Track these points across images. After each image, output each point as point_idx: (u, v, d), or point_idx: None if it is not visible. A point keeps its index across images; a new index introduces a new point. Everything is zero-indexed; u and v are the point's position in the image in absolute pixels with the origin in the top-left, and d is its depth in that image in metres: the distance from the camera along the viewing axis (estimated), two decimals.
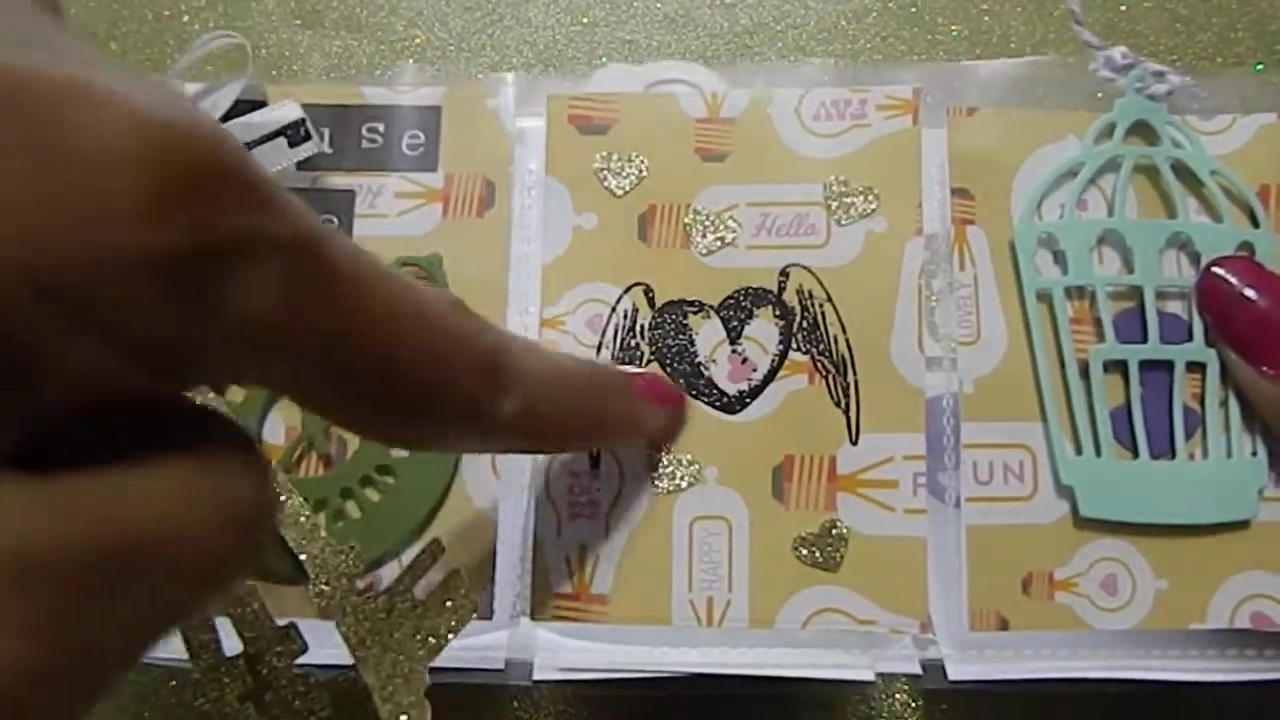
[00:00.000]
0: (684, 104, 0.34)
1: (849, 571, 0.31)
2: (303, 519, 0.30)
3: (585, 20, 0.40)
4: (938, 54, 0.39)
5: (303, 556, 0.29)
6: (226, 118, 0.33)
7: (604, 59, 0.40)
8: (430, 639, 0.27)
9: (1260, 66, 0.39)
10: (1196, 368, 0.32)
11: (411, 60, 0.39)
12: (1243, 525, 0.31)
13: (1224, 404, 0.32)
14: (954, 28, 0.37)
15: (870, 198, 0.33)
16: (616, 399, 0.28)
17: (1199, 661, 0.31)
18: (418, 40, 0.39)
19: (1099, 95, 0.34)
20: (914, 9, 0.39)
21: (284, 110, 0.32)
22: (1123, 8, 0.36)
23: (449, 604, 0.27)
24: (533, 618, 0.31)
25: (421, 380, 0.20)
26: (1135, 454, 0.31)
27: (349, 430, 0.23)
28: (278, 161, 0.32)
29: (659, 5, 0.40)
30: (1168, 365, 0.32)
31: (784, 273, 0.32)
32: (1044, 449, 0.31)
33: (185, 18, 0.39)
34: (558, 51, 0.40)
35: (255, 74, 0.34)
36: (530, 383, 0.23)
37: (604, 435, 0.30)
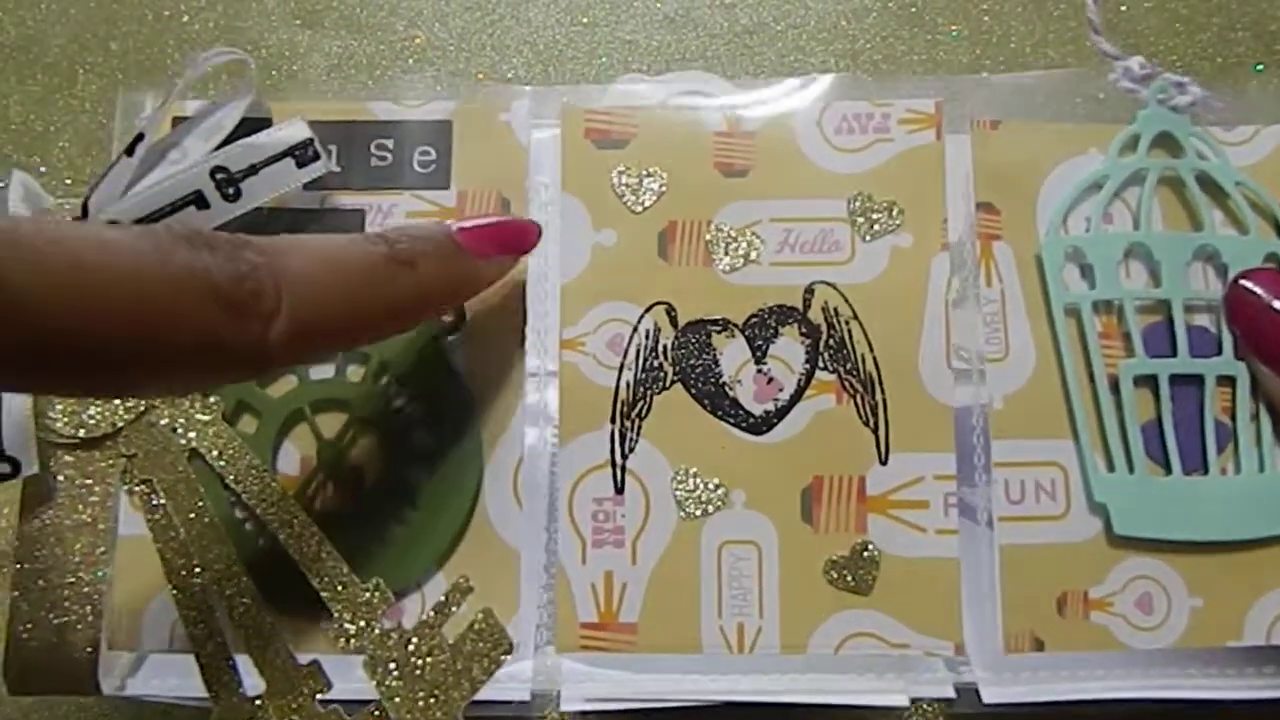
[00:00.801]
0: (703, 117, 0.33)
1: (881, 594, 0.30)
2: (325, 556, 0.29)
3: (585, 20, 0.39)
4: (938, 54, 0.38)
5: (326, 595, 0.28)
6: (232, 137, 0.32)
7: (604, 58, 0.39)
8: (463, 682, 0.26)
9: (1260, 67, 0.39)
10: (1227, 381, 0.32)
11: (412, 60, 0.38)
12: (1277, 540, 0.31)
13: (1255, 417, 0.31)
14: (954, 27, 0.37)
15: (895, 213, 0.32)
16: (433, 266, 0.26)
17: (1237, 680, 0.30)
18: (418, 40, 0.38)
19: (1105, 101, 0.34)
20: (914, 9, 0.39)
21: (291, 130, 0.31)
22: (1123, 8, 0.36)
23: (481, 645, 0.26)
24: (558, 648, 0.30)
25: (130, 344, 0.19)
26: (1168, 470, 0.31)
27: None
28: (285, 183, 0.31)
29: (659, 5, 0.39)
30: (1198, 379, 0.31)
31: (809, 290, 0.32)
32: (1076, 466, 0.31)
33: (185, 18, 0.38)
34: (558, 51, 0.39)
35: (258, 88, 0.32)
36: (300, 294, 0.22)
37: (427, 309, 0.27)
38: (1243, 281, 0.32)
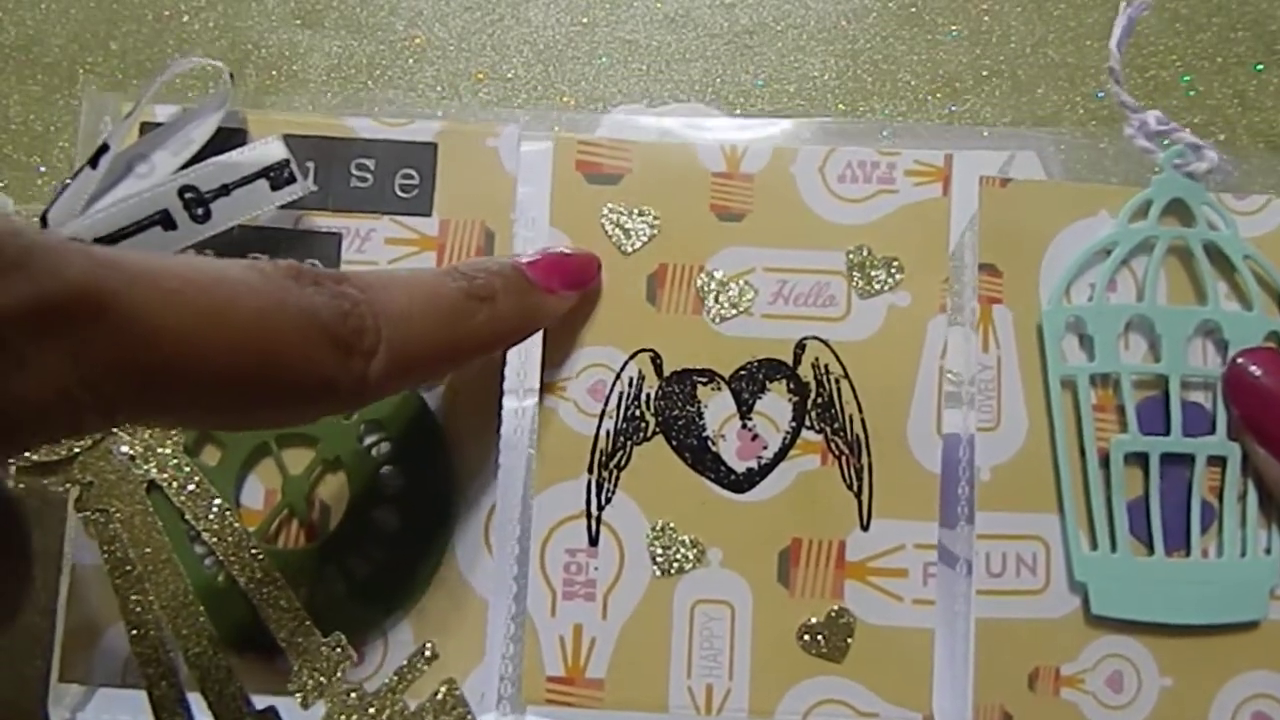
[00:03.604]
0: (701, 155, 0.31)
1: (854, 662, 0.30)
2: (284, 603, 0.28)
3: (585, 20, 0.38)
4: (938, 54, 0.37)
5: (284, 645, 0.28)
6: (205, 151, 0.30)
7: (604, 59, 0.38)
8: None
9: (1260, 66, 0.39)
10: (1217, 461, 0.31)
11: (412, 60, 0.36)
12: (1252, 625, 0.31)
13: (1242, 498, 0.31)
14: (954, 27, 0.36)
15: (894, 270, 0.31)
16: (508, 301, 0.26)
17: None
18: (418, 40, 0.37)
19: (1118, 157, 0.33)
20: (914, 9, 0.38)
21: (267, 149, 0.29)
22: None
23: (442, 719, 0.25)
24: (524, 701, 0.30)
25: (252, 380, 0.20)
26: (1150, 549, 0.31)
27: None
28: (259, 205, 0.29)
29: (659, 5, 0.38)
30: (1189, 458, 0.31)
31: (800, 345, 0.31)
32: (1059, 542, 0.30)
33: (185, 18, 0.37)
34: (558, 51, 0.38)
35: (239, 96, 0.31)
36: (396, 331, 0.22)
37: (501, 344, 0.28)
38: (1241, 360, 0.31)
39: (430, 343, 0.24)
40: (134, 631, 0.28)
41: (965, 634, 0.30)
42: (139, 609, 0.28)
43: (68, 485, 0.29)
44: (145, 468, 0.29)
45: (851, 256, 0.31)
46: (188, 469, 0.29)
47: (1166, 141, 0.32)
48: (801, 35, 0.38)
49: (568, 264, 0.29)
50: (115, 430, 0.29)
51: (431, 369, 0.26)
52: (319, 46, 0.37)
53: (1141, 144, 0.32)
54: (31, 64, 0.37)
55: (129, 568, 0.29)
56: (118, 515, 0.29)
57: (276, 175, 0.29)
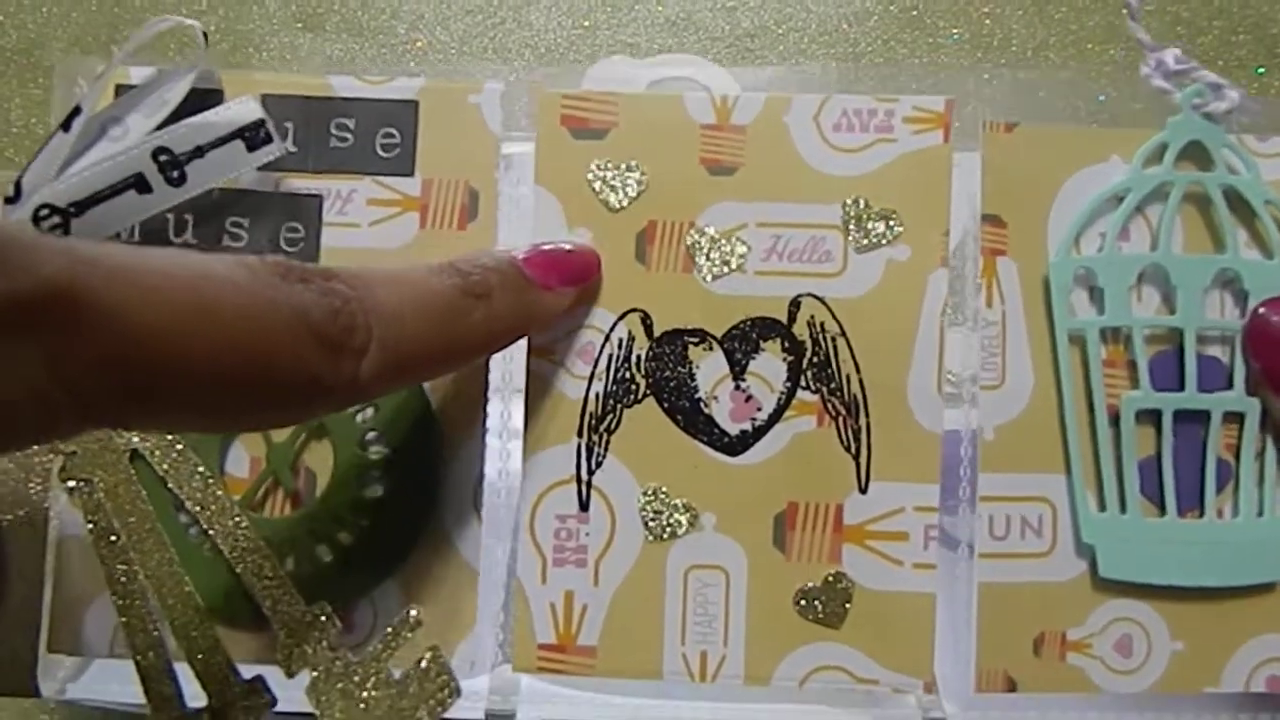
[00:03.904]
0: (690, 107, 0.30)
1: (852, 628, 0.29)
2: (269, 573, 0.28)
3: (587, 24, 0.38)
4: (939, 57, 0.37)
5: (270, 614, 0.27)
6: (180, 113, 0.29)
7: None
8: None
9: (1262, 70, 0.38)
10: (1234, 418, 0.30)
11: (413, 64, 0.37)
12: (1268, 587, 0.29)
13: (1260, 455, 0.30)
14: (955, 30, 0.36)
15: (893, 222, 0.30)
16: (505, 298, 0.25)
17: None
18: (419, 44, 0.37)
19: (1134, 102, 0.32)
20: (915, 12, 0.38)
21: (242, 109, 0.28)
22: (1123, 10, 0.35)
23: (427, 686, 0.25)
24: (514, 668, 0.29)
25: (240, 381, 0.19)
26: (1162, 510, 0.29)
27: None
28: (235, 167, 0.29)
29: (660, 8, 0.38)
30: (1204, 415, 0.29)
31: (795, 303, 0.30)
32: (1066, 503, 0.29)
33: (187, 21, 0.36)
34: (559, 55, 0.38)
35: (209, 59, 0.30)
36: (388, 330, 0.22)
37: (497, 343, 0.27)
38: (1263, 311, 0.29)
39: (424, 342, 0.23)
40: (120, 601, 0.28)
41: (967, 599, 0.29)
42: (124, 579, 0.28)
43: (51, 455, 0.29)
44: (127, 436, 0.29)
45: (848, 209, 0.30)
46: (170, 437, 0.29)
47: (1186, 84, 0.30)
48: (803, 39, 0.38)
49: (567, 260, 0.28)
50: None
51: (426, 368, 0.25)
52: (320, 50, 0.37)
53: (1158, 84, 0.30)
54: (33, 67, 0.37)
55: (114, 537, 0.28)
56: (101, 485, 0.29)
57: (252, 136, 0.29)
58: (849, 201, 0.30)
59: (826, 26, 0.37)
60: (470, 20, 0.36)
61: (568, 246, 0.29)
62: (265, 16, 0.38)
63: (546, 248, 0.28)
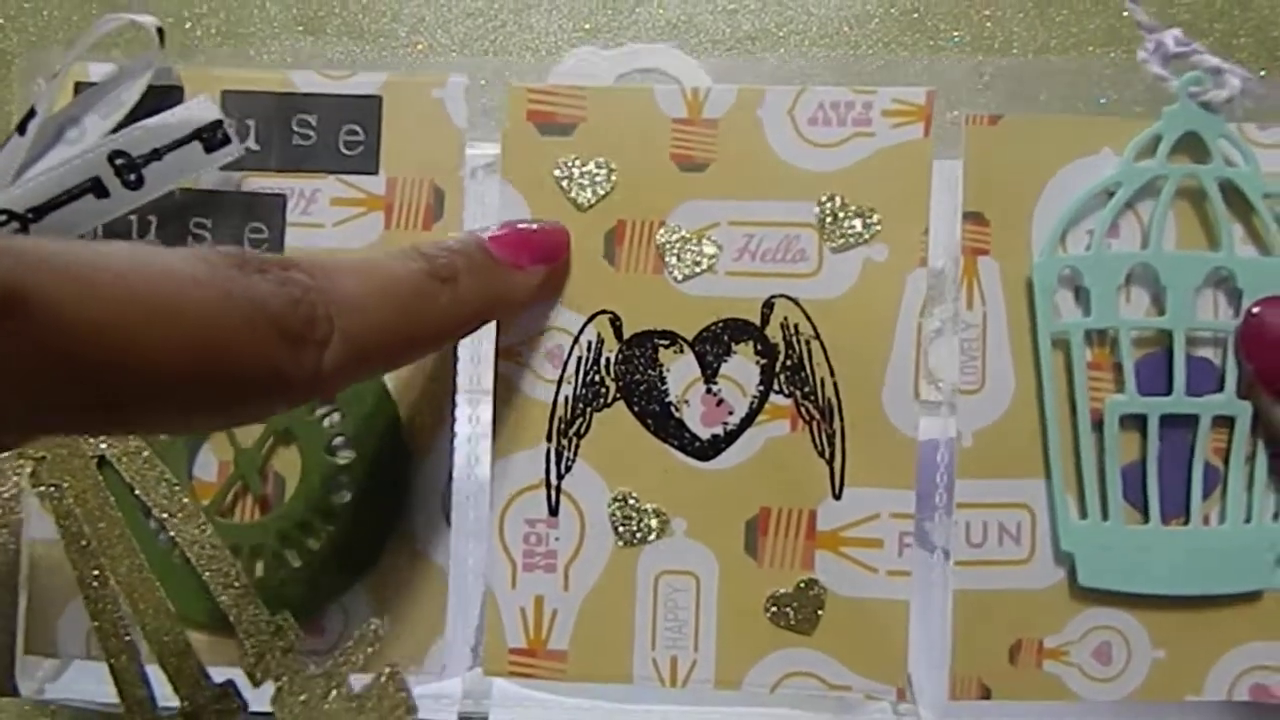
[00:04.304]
0: (660, 100, 0.29)
1: (824, 634, 0.29)
2: (235, 582, 0.28)
3: (588, 26, 0.38)
4: (940, 61, 0.36)
5: (235, 624, 0.27)
6: (139, 111, 0.28)
7: None
8: None
9: (1263, 73, 0.37)
10: (1224, 421, 0.29)
11: (415, 66, 0.36)
12: (1254, 596, 0.29)
13: (1250, 460, 0.29)
14: (955, 33, 0.35)
15: (870, 220, 0.29)
16: (472, 281, 0.25)
17: None
18: (420, 47, 0.37)
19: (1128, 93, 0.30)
20: (916, 14, 0.38)
21: (199, 109, 0.28)
22: (1124, 14, 0.34)
23: (385, 704, 0.25)
24: (485, 673, 0.29)
25: (197, 377, 0.18)
26: (1145, 517, 0.29)
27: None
28: (193, 169, 0.28)
29: (661, 11, 0.38)
30: (1191, 419, 0.28)
31: (768, 304, 0.29)
32: (1045, 509, 0.29)
33: (188, 24, 0.37)
34: (561, 58, 0.37)
35: (168, 57, 0.29)
36: (350, 319, 0.21)
37: (467, 327, 0.26)
38: (1258, 311, 0.28)
39: (389, 329, 0.22)
40: (92, 606, 0.28)
41: (943, 605, 0.29)
42: (96, 583, 0.28)
43: (21, 462, 0.29)
44: (94, 442, 0.29)
45: (824, 207, 0.29)
46: (135, 443, 0.28)
47: (1185, 69, 0.29)
48: (804, 41, 0.38)
49: (535, 238, 0.27)
50: None
51: (391, 357, 0.24)
52: (321, 53, 0.37)
53: (1155, 70, 0.29)
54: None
55: (84, 543, 0.29)
56: (70, 491, 0.29)
57: (210, 137, 0.28)
58: (825, 199, 0.29)
59: (827, 29, 0.37)
60: (471, 23, 0.36)
61: (535, 225, 0.28)
62: (266, 20, 0.38)
63: (516, 226, 0.27)
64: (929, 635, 0.29)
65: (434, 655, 0.29)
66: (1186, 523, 0.29)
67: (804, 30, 0.37)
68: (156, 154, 0.28)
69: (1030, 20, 0.36)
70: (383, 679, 0.25)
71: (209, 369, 0.19)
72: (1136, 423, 0.29)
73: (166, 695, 0.28)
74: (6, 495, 0.29)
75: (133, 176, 0.28)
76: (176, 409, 0.19)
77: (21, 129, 0.28)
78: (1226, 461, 0.29)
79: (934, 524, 0.29)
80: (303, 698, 0.26)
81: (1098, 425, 0.28)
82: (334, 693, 0.26)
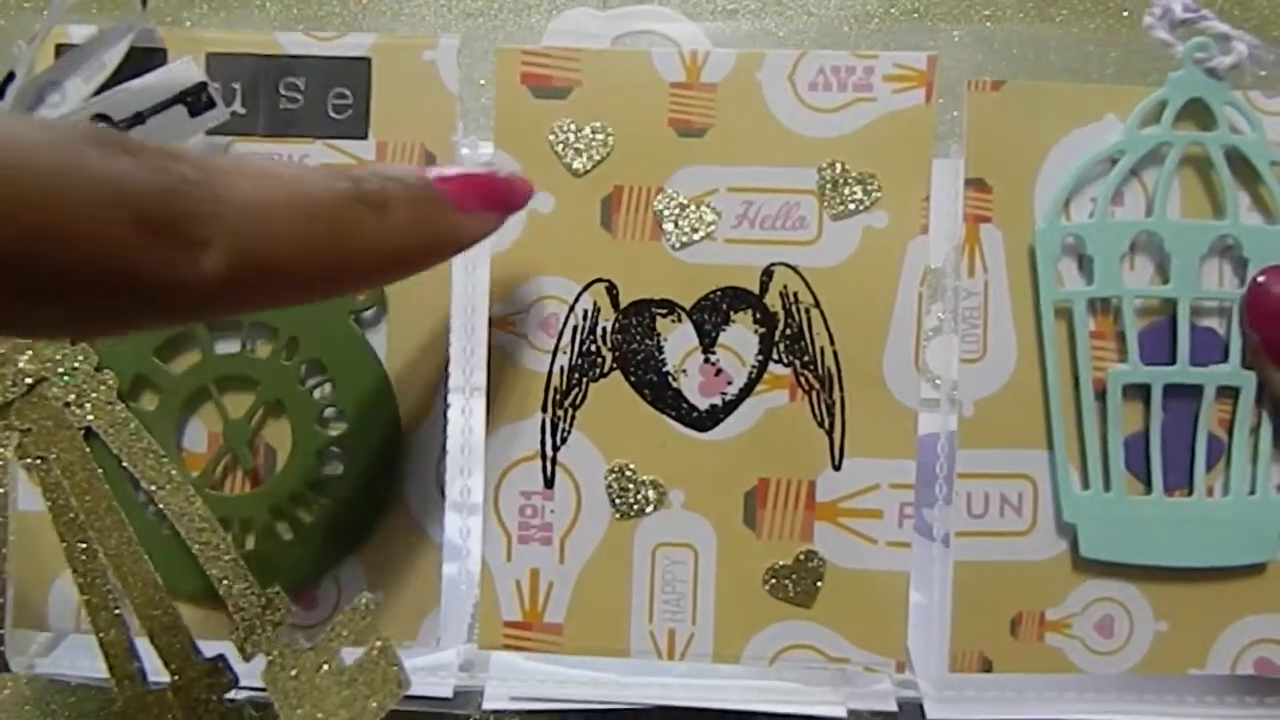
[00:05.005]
0: (658, 64, 0.28)
1: (823, 606, 0.28)
2: (225, 555, 0.27)
3: None
4: (941, 60, 0.36)
5: (225, 597, 0.27)
6: (120, 75, 0.28)
7: None
8: (360, 711, 0.25)
9: (1263, 72, 0.36)
10: (1228, 392, 0.28)
11: None
12: (1258, 568, 0.28)
13: (1254, 431, 0.28)
14: (956, 33, 0.34)
15: (871, 187, 0.28)
16: (407, 213, 0.21)
17: (1196, 708, 0.29)
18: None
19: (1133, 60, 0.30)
20: (916, 15, 0.38)
21: (182, 71, 0.27)
22: (1124, 14, 0.33)
23: (375, 677, 0.25)
24: (480, 646, 0.29)
25: (24, 260, 0.15)
26: (1148, 488, 0.28)
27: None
28: (178, 133, 0.27)
29: (661, 10, 0.36)
30: (1195, 390, 0.28)
31: (767, 272, 0.28)
32: (1047, 480, 0.28)
33: (189, 24, 0.36)
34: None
35: (150, 18, 0.28)
36: (245, 223, 0.17)
37: (399, 266, 0.22)
38: (1263, 279, 0.28)
39: (295, 247, 0.19)
40: (81, 579, 0.28)
41: (943, 578, 0.28)
42: (84, 557, 0.28)
43: (6, 434, 0.28)
44: (79, 413, 0.28)
45: (824, 173, 0.28)
46: (122, 416, 0.28)
47: (1191, 36, 0.28)
48: (804, 41, 0.37)
49: (487, 181, 0.23)
50: (46, 376, 0.28)
51: (297, 282, 0.19)
52: (309, 13, 0.37)
53: (1161, 36, 0.28)
54: None
55: (71, 515, 0.28)
56: (57, 463, 0.28)
57: (194, 100, 0.27)
58: (825, 165, 0.28)
59: (828, 28, 0.37)
60: (472, 24, 0.36)
61: (493, 171, 0.24)
62: (266, 20, 0.37)
63: (465, 169, 0.23)
64: (929, 608, 0.29)
65: (427, 628, 0.29)
66: (1190, 494, 0.28)
67: (804, 30, 0.36)
68: (140, 117, 0.27)
69: (1031, 20, 0.36)
70: (374, 652, 0.25)
71: (36, 250, 0.16)
72: (1140, 393, 0.28)
73: (157, 669, 0.28)
74: None
75: None
76: (20, 302, 0.16)
77: (0, 93, 0.27)
78: (1230, 433, 0.28)
79: (934, 513, 0.29)
80: (294, 672, 0.26)
81: (1100, 395, 0.28)
82: (325, 667, 0.25)
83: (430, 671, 0.29)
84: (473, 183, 0.23)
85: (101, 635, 0.28)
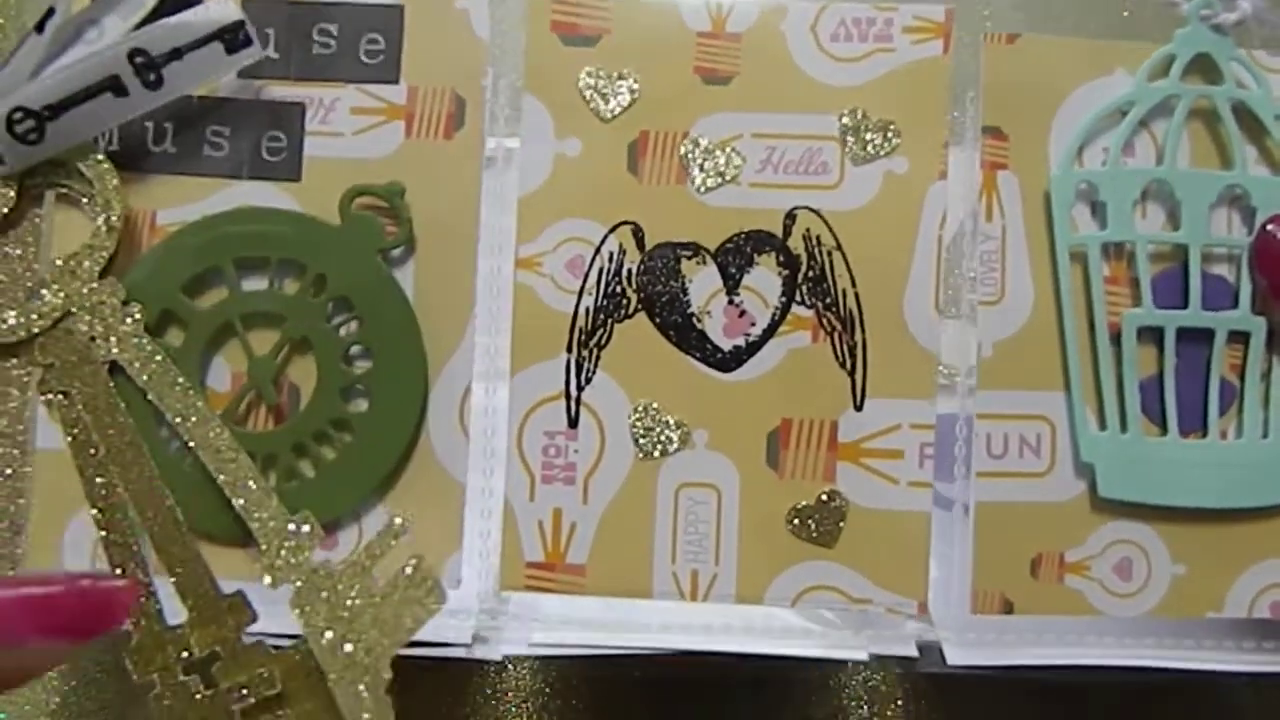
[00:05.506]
0: (685, 13, 0.29)
1: (846, 547, 0.29)
2: (252, 483, 0.27)
3: None
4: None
5: (253, 525, 0.27)
6: (158, 14, 0.28)
7: None
8: (394, 629, 0.24)
9: (1268, 31, 0.37)
10: (1239, 337, 0.29)
11: None
12: (1273, 510, 0.29)
13: (1265, 376, 0.29)
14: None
15: (891, 134, 0.29)
16: None
17: (1213, 652, 0.29)
18: None
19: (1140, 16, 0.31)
20: None
21: (221, 9, 0.28)
22: (1125, 14, 0.34)
23: (412, 593, 0.24)
24: (502, 586, 0.29)
25: None
26: (1164, 430, 0.29)
27: None
28: (214, 70, 0.28)
29: None
30: (1208, 334, 0.29)
31: (790, 215, 0.29)
32: (1065, 421, 0.29)
33: None
34: None
35: None
36: None
37: None
38: (1271, 227, 0.29)
39: None
40: (100, 515, 0.28)
41: (964, 518, 0.29)
42: (104, 492, 0.28)
43: (30, 368, 0.28)
44: (105, 348, 0.28)
45: (845, 120, 0.29)
46: (149, 349, 0.28)
47: None
48: None
49: (60, 602, 0.19)
50: (73, 310, 0.28)
51: None
52: None
53: None
54: None
55: (93, 450, 0.28)
56: (80, 397, 0.28)
57: (231, 38, 0.28)
58: (846, 112, 0.29)
59: None
60: None
61: (87, 584, 0.20)
62: None
63: (53, 584, 0.19)
64: (948, 557, 0.29)
65: (450, 569, 0.28)
66: (1204, 436, 0.29)
67: None
68: (177, 53, 0.27)
69: (1033, 21, 0.36)
70: (409, 569, 0.25)
71: None
72: (1153, 336, 0.29)
73: (175, 610, 0.27)
74: (14, 403, 0.28)
75: (152, 76, 0.27)
76: None
77: (40, 28, 0.27)
78: (1242, 377, 0.29)
79: (952, 486, 0.29)
80: (324, 594, 0.25)
81: (1116, 338, 0.29)
82: (356, 587, 0.25)
83: (449, 613, 0.29)
84: (30, 604, 0.19)
85: (119, 572, 0.27)
